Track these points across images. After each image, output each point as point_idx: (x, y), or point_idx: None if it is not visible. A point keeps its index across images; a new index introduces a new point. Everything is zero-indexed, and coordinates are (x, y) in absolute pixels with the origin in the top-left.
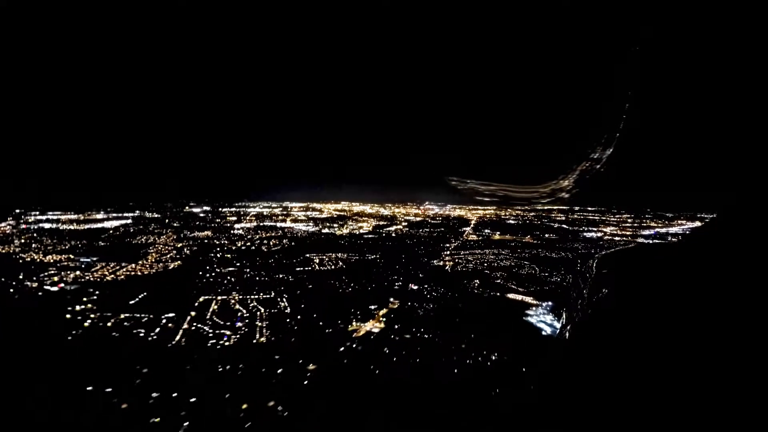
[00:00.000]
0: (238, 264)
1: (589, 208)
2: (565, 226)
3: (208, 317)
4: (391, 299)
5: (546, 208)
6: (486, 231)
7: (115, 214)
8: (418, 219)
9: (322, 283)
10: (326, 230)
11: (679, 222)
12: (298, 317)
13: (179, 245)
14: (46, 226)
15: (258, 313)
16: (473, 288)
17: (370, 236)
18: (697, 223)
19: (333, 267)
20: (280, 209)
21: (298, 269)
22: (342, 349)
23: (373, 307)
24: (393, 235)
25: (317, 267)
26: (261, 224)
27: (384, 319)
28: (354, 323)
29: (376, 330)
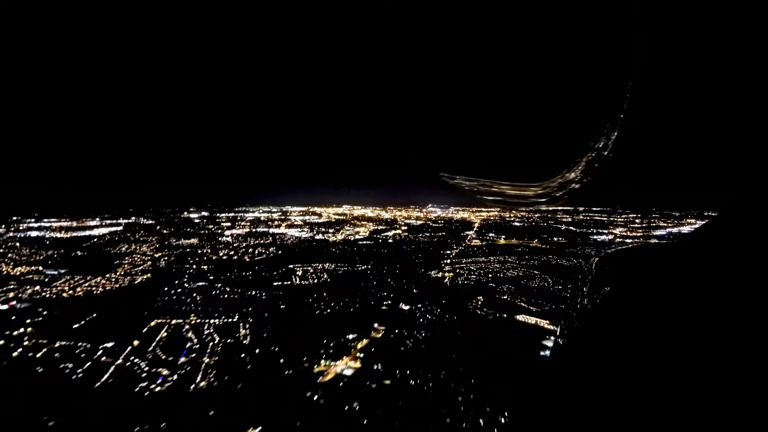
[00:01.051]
0: (212, 277)
1: (595, 209)
2: (572, 228)
3: (151, 349)
4: (376, 325)
5: (551, 208)
6: (490, 235)
7: (109, 221)
8: (419, 222)
9: (298, 302)
10: (320, 236)
11: (688, 221)
12: (256, 351)
13: (157, 255)
14: (34, 234)
15: (211, 344)
16: (476, 307)
17: (365, 242)
18: None
19: (316, 281)
20: (279, 214)
21: (275, 284)
22: (298, 403)
23: (351, 336)
24: (390, 241)
25: (298, 281)
26: (253, 230)
27: (362, 355)
28: (323, 362)
29: (348, 372)
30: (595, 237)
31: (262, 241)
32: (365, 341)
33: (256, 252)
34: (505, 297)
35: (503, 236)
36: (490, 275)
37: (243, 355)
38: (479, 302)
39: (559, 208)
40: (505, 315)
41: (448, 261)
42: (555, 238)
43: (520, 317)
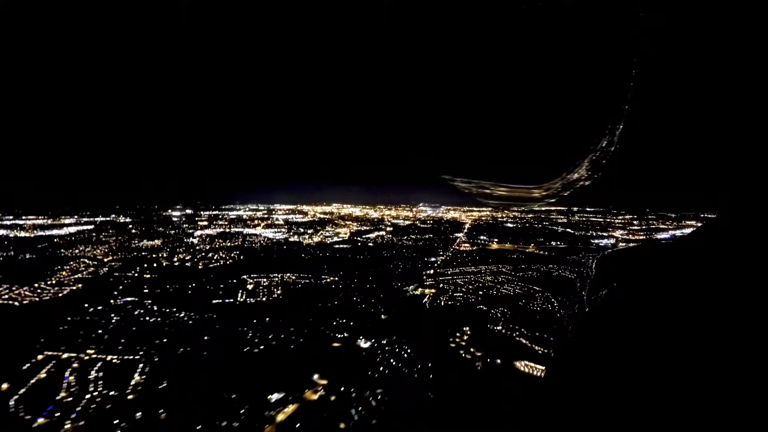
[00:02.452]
0: (146, 291)
1: (588, 209)
2: (569, 230)
3: (15, 398)
4: (316, 376)
5: (543, 209)
6: (482, 238)
7: (86, 219)
8: (407, 223)
9: (228, 332)
10: (295, 238)
11: (687, 222)
12: (137, 415)
13: (107, 260)
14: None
15: (87, 396)
16: (460, 345)
17: (341, 246)
18: None
19: (264, 299)
20: (264, 212)
21: (215, 302)
22: None
23: (276, 397)
24: (370, 244)
25: (243, 298)
26: (227, 231)
27: None
28: None
29: None
30: (596, 241)
31: (228, 244)
32: (292, 408)
33: (215, 257)
34: (500, 328)
35: (495, 239)
36: (480, 293)
37: (116, 421)
38: (465, 336)
39: (552, 208)
40: (498, 360)
41: (432, 272)
42: (553, 242)
43: (521, 365)
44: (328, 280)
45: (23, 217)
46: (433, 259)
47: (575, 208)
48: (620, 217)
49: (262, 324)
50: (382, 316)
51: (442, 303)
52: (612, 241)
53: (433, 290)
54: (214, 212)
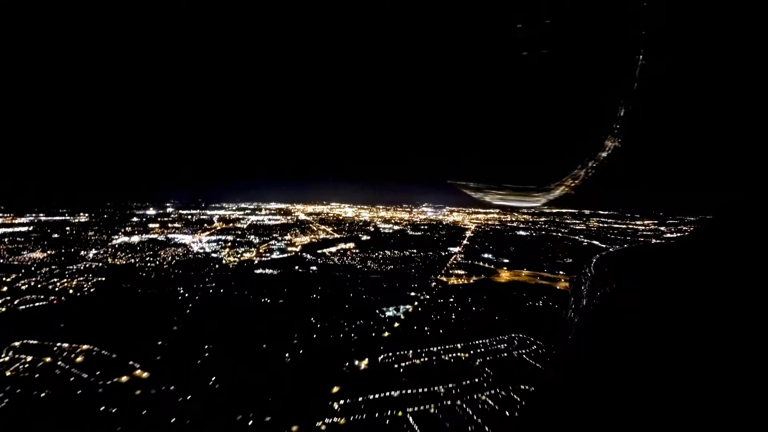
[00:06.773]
0: None
1: (601, 212)
2: (596, 242)
3: None
4: None
5: (555, 211)
6: (486, 256)
7: (45, 218)
8: (396, 228)
9: None
10: (222, 253)
11: None
12: None
13: None
14: None
15: None
16: None
17: (266, 272)
18: None
19: None
20: (246, 212)
21: None
22: None
23: None
24: (314, 268)
25: None
26: (159, 238)
27: None
28: None
29: None
30: None
31: (123, 262)
32: None
33: (62, 287)
34: None
35: (505, 260)
36: None
37: None
38: None
39: (564, 210)
40: None
41: (366, 362)
42: (586, 270)
43: None
44: (124, 379)
45: None
46: (392, 312)
47: (587, 211)
48: (639, 222)
49: None
50: None
51: None
52: None
53: None
54: (187, 211)
